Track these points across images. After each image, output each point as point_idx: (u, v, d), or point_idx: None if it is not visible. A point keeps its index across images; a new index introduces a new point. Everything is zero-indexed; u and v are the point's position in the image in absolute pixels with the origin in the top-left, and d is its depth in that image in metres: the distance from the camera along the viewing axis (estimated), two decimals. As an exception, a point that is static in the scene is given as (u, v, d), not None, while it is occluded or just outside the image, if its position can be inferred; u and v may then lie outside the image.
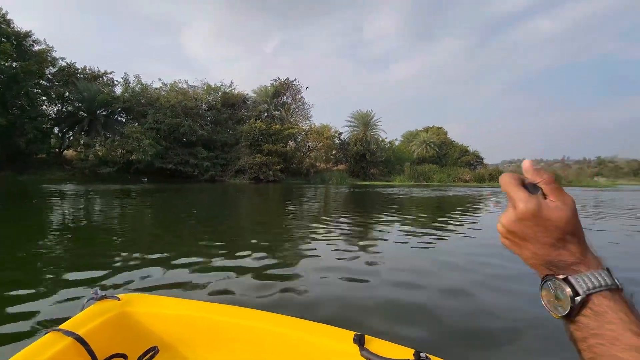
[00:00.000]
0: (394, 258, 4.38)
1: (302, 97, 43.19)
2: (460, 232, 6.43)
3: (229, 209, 10.68)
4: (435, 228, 6.91)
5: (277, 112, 39.90)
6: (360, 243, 5.26)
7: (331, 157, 43.06)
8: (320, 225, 6.89)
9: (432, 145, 48.20)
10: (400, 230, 6.58)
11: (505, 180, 0.40)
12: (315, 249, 4.77)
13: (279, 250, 4.68)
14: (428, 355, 0.95)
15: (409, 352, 0.96)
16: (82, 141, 30.54)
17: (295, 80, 42.91)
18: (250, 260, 4.05)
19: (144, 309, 1.16)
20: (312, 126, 41.65)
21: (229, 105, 37.72)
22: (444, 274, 3.71)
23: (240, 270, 3.59)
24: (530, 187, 0.39)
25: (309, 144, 40.61)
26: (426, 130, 52.15)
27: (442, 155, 48.41)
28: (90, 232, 5.81)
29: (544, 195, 0.39)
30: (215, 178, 32.38)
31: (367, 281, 3.35)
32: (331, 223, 7.28)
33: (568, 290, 0.37)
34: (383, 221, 7.84)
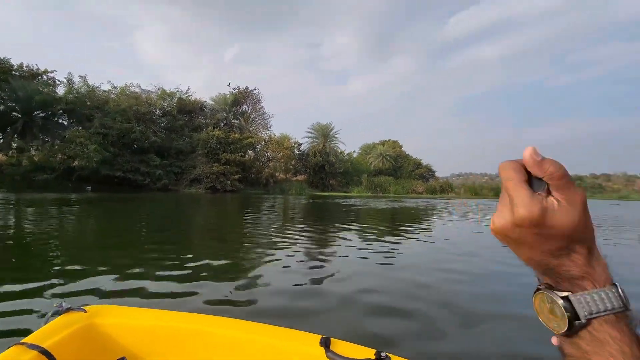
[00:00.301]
0: (352, 265, 4.50)
1: (262, 106, 43.11)
2: (420, 240, 6.77)
3: (184, 219, 10.29)
4: (393, 236, 7.21)
5: (236, 121, 39.35)
6: (319, 252, 5.34)
7: (290, 167, 43.13)
8: (280, 236, 6.89)
9: (388, 158, 50.14)
10: (359, 240, 6.77)
11: (508, 173, 0.32)
12: (276, 257, 4.79)
13: (239, 260, 4.63)
14: (388, 354, 1.02)
15: (371, 352, 1.03)
16: (14, 144, 27.76)
17: (255, 89, 42.78)
18: (209, 269, 4.00)
19: (111, 320, 1.15)
20: (272, 136, 41.57)
21: (185, 112, 36.53)
22: (401, 280, 3.90)
23: (200, 278, 3.54)
24: (535, 182, 0.32)
25: (269, 154, 40.40)
26: (383, 143, 54.21)
27: (397, 168, 50.49)
28: (22, 244, 5.32)
29: (549, 192, 0.31)
30: (168, 187, 30.94)
31: (324, 288, 3.45)
32: (290, 233, 7.31)
33: (566, 309, 0.32)
34: (342, 231, 8.01)
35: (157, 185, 30.27)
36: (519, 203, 0.31)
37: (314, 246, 5.92)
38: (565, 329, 0.32)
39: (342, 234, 7.49)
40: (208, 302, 2.87)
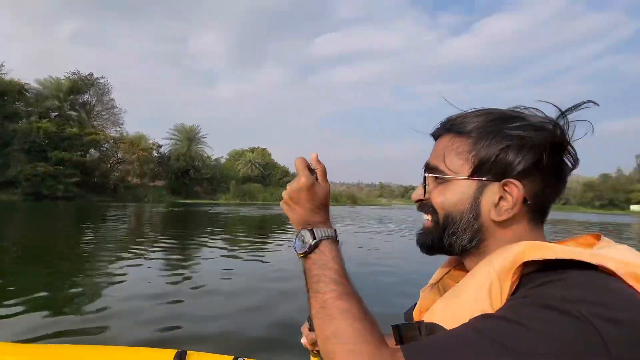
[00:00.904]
0: (211, 277, 4.30)
1: (112, 99, 36.79)
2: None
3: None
4: (260, 244, 6.99)
5: (75, 113, 32.09)
6: (178, 266, 4.92)
7: (147, 171, 38.09)
8: (130, 252, 5.90)
9: (257, 165, 50.10)
10: (224, 250, 6.35)
11: (299, 161, 0.55)
12: (126, 276, 4.29)
13: (83, 283, 3.94)
14: (245, 358, 1.07)
15: (229, 359, 1.07)
16: None
17: (102, 77, 36.13)
18: (42, 296, 3.38)
19: None
20: (124, 134, 35.90)
21: (-5, 93, 27.82)
22: (266, 289, 3.85)
23: (32, 308, 3.03)
24: (311, 171, 0.56)
25: (119, 154, 34.66)
26: (252, 150, 53.85)
27: (266, 175, 50.92)
28: None
29: (317, 178, 0.56)
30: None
31: (181, 301, 3.37)
32: (143, 249, 6.28)
33: (310, 236, 0.53)
34: (206, 242, 7.36)
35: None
36: (304, 175, 0.54)
37: (172, 260, 5.44)
38: (308, 246, 0.52)
39: (206, 245, 6.90)
40: (58, 334, 2.47)
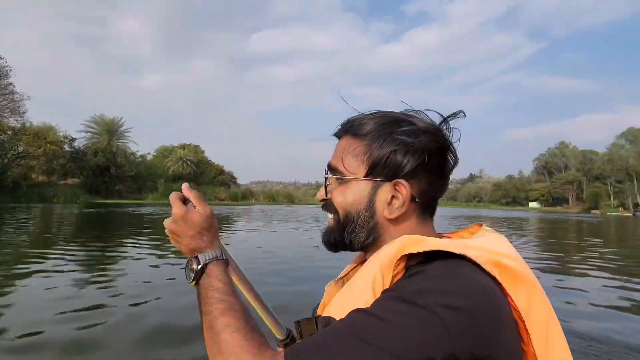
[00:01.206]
0: (133, 286, 3.96)
1: (11, 83, 31.47)
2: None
3: None
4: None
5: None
6: (93, 274, 4.50)
7: (57, 167, 33.43)
8: (35, 260, 5.14)
9: (189, 163, 47.23)
10: (147, 255, 5.86)
11: (172, 196, 0.58)
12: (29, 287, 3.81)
13: None
14: None
15: None
16: None
17: (-1, 57, 30.72)
18: None
19: None
20: (28, 125, 31.04)
21: None
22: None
23: None
24: (186, 201, 0.58)
25: (20, 148, 29.85)
26: (183, 147, 50.57)
27: (199, 174, 48.27)
28: None
29: (194, 206, 0.57)
30: None
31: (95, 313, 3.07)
32: (52, 255, 5.54)
33: (195, 263, 0.55)
34: (127, 246, 6.74)
35: None
36: (175, 207, 0.56)
37: (85, 268, 4.86)
38: (195, 273, 0.54)
39: (125, 250, 6.35)
40: None
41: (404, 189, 0.51)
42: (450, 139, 0.55)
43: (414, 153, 0.51)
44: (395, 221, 0.53)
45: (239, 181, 56.72)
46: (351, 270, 0.64)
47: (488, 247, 0.48)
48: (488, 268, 0.43)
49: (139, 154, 42.34)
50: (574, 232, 15.05)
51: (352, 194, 0.54)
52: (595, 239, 11.61)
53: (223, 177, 51.84)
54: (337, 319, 0.46)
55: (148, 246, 6.77)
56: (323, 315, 0.52)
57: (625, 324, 3.15)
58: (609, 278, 5.07)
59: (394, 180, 0.52)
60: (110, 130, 38.35)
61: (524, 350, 0.44)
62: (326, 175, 0.57)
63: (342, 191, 0.55)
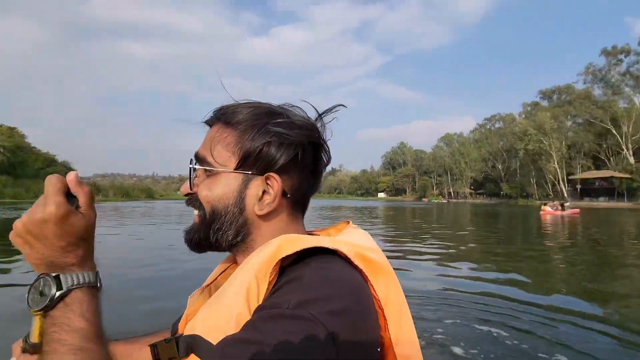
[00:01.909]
0: None
1: None
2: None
3: None
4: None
5: None
6: None
7: None
8: None
9: (2, 150, 36.46)
10: None
11: (52, 181, 0.41)
12: None
13: None
14: None
15: None
16: None
17: None
18: None
19: None
20: None
21: None
22: None
23: None
24: (69, 197, 0.42)
25: None
26: (-11, 128, 38.67)
27: (17, 164, 37.83)
28: None
29: (78, 207, 0.42)
30: None
31: None
32: None
33: (53, 284, 0.40)
34: None
35: None
36: (52, 203, 0.40)
37: None
38: (49, 299, 0.39)
39: None
40: None
41: (276, 183, 0.48)
42: (324, 136, 0.53)
43: (288, 147, 0.48)
44: (265, 217, 0.50)
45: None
46: (219, 274, 0.57)
47: (354, 242, 0.49)
48: (356, 261, 0.45)
49: None
50: (411, 216, 18.48)
51: (220, 188, 0.49)
52: (426, 220, 14.56)
53: (55, 169, 42.00)
54: (208, 337, 0.40)
55: None
56: (186, 333, 0.44)
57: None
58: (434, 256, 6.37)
59: (266, 174, 0.48)
60: None
61: (382, 336, 0.45)
62: (192, 166, 0.51)
63: (209, 185, 0.50)
